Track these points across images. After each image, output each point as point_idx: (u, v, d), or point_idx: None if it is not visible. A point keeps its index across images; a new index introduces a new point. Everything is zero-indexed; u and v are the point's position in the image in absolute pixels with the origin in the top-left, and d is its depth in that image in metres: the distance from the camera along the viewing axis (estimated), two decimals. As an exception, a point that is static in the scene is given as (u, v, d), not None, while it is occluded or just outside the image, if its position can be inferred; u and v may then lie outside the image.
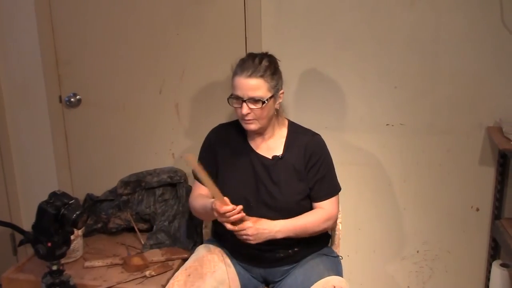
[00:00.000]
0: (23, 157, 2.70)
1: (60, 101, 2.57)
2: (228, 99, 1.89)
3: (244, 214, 1.80)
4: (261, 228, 1.82)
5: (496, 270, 2.26)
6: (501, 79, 2.23)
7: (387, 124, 2.36)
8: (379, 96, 2.34)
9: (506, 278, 2.22)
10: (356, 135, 2.39)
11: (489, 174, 2.33)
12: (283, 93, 1.94)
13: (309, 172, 1.94)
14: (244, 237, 1.81)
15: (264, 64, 1.86)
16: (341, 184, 2.00)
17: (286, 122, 2.02)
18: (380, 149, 2.40)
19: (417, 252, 2.50)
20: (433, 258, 2.49)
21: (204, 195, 1.98)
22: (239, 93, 1.84)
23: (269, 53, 1.95)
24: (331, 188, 1.97)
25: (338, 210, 2.01)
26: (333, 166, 2.00)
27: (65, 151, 2.63)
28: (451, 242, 2.45)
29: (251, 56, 1.90)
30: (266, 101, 1.84)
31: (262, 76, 1.83)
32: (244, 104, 1.84)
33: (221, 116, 2.39)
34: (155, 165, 2.55)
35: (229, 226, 1.80)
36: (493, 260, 2.34)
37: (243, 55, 2.35)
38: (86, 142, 2.62)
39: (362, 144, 2.40)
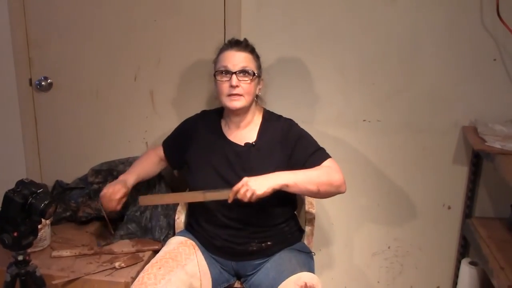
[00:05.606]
0: (-11, 141, 2.61)
1: (30, 84, 2.48)
2: (214, 74, 1.90)
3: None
4: (255, 177, 1.74)
5: (465, 268, 2.30)
6: (478, 79, 2.24)
7: (364, 120, 2.36)
8: (357, 92, 2.33)
9: (474, 276, 2.26)
10: (333, 130, 2.38)
11: (462, 173, 2.36)
12: (263, 80, 2.00)
13: (295, 153, 1.91)
14: (248, 193, 1.69)
15: (251, 45, 1.97)
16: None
17: (262, 111, 2.03)
18: (356, 144, 2.39)
19: (388, 248, 2.52)
20: (403, 254, 2.51)
21: (159, 155, 2.17)
22: (229, 64, 1.85)
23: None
24: (323, 156, 1.92)
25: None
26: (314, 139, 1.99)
27: (34, 136, 2.55)
28: (422, 239, 2.48)
29: (236, 39, 1.99)
30: (255, 75, 1.87)
31: (251, 52, 1.93)
32: (234, 76, 1.85)
33: (197, 105, 2.35)
34: (128, 153, 2.49)
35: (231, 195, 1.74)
36: (462, 258, 2.38)
37: (222, 44, 2.33)
38: (57, 127, 2.54)
39: (339, 139, 2.39)
